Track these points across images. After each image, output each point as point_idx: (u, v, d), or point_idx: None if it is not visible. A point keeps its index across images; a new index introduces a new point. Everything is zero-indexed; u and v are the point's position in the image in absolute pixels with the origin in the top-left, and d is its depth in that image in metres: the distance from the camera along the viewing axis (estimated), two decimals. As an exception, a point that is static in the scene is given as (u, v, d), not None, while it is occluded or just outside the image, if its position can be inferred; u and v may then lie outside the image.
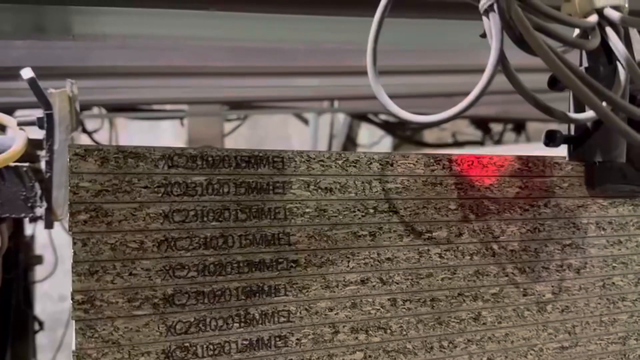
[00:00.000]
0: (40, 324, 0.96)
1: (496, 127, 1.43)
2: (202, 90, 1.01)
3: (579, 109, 0.37)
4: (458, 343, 0.36)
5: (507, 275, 0.37)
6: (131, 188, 0.29)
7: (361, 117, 1.33)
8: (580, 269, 0.39)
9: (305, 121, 1.42)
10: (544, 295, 0.38)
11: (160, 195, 0.29)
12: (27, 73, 0.50)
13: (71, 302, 0.28)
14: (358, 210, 0.33)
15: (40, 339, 0.99)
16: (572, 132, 0.39)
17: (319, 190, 0.32)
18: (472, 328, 0.36)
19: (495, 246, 0.37)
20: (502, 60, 0.29)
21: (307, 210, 0.32)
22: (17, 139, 0.49)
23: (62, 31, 0.63)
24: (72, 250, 0.28)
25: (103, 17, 0.63)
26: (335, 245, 0.33)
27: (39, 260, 0.96)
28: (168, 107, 1.27)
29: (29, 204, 0.49)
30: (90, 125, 1.20)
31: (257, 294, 0.31)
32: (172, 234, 0.29)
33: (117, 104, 1.15)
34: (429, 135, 1.50)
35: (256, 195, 0.31)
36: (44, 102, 0.51)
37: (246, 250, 0.31)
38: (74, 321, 0.28)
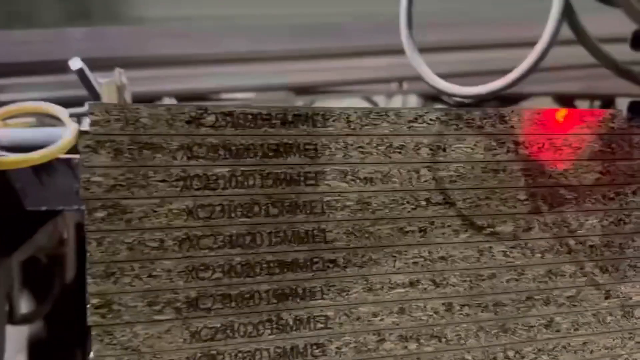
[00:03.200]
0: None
1: (582, 104, 1.33)
2: (267, 77, 0.99)
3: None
4: (526, 353, 0.31)
5: (585, 276, 0.32)
6: (147, 182, 0.26)
7: (433, 98, 1.27)
8: (677, 267, 0.33)
9: (376, 105, 1.37)
10: (630, 298, 0.33)
11: (179, 189, 0.26)
12: (75, 64, 0.49)
13: (87, 306, 0.26)
14: (407, 202, 0.29)
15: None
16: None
17: (357, 181, 0.28)
18: (543, 336, 0.31)
19: (571, 242, 0.32)
20: (568, 13, 0.24)
21: (348, 203, 0.28)
22: (67, 131, 0.49)
23: (110, 16, 0.62)
24: (87, 251, 0.26)
25: None
26: (379, 242, 0.29)
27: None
28: (239, 95, 1.26)
29: (81, 196, 0.49)
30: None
31: (290, 297, 0.28)
32: (194, 232, 0.27)
33: (187, 94, 1.15)
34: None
35: (285, 187, 0.28)
36: (93, 93, 0.50)
37: (277, 249, 0.28)
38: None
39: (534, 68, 0.26)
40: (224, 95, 1.23)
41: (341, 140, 0.28)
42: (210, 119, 0.27)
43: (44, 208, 0.48)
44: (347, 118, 0.28)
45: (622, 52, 0.31)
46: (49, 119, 0.55)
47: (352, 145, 0.28)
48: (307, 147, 0.28)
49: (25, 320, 0.71)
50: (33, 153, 0.43)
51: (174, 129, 0.26)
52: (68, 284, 0.76)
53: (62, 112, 0.52)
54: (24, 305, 0.72)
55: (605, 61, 0.27)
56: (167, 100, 1.23)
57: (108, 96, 0.51)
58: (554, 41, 0.26)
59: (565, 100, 1.34)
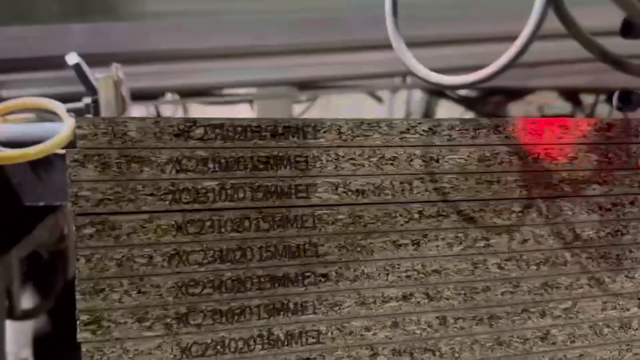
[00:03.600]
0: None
1: (588, 99, 1.31)
2: (268, 71, 0.98)
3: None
4: (521, 366, 0.31)
5: (582, 287, 0.32)
6: (135, 196, 0.26)
7: (438, 92, 1.26)
8: (676, 278, 0.33)
9: (380, 99, 1.36)
10: (627, 309, 0.32)
11: (168, 203, 0.26)
12: (72, 59, 0.49)
13: (77, 322, 0.26)
14: (400, 215, 0.29)
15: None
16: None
17: (349, 193, 0.28)
18: (539, 349, 0.31)
19: (567, 254, 0.31)
20: (555, 2, 0.23)
21: (340, 217, 0.28)
22: (64, 126, 0.48)
23: (108, 11, 0.61)
24: (76, 267, 0.26)
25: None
26: (371, 256, 0.29)
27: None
28: (241, 90, 1.25)
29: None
30: (168, 112, 1.20)
31: (282, 312, 0.28)
32: (183, 247, 0.26)
33: (188, 89, 1.15)
34: (514, 110, 1.41)
35: (276, 200, 0.27)
36: (90, 88, 0.50)
37: (267, 264, 0.27)
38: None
39: (516, 59, 0.25)
40: (226, 91, 1.23)
41: (332, 152, 0.28)
42: (199, 131, 0.26)
43: (42, 203, 0.48)
44: (339, 129, 0.28)
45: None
46: (48, 115, 0.55)
47: (343, 157, 0.28)
48: (298, 159, 0.27)
49: (26, 315, 0.71)
50: (29, 148, 0.43)
51: (163, 142, 0.26)
52: (70, 279, 0.77)
53: (59, 108, 0.52)
54: (27, 301, 0.73)
55: (593, 49, 0.26)
56: (170, 96, 1.23)
57: (105, 91, 0.51)
58: (538, 29, 0.25)
59: (570, 94, 1.33)
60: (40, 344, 0.80)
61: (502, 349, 0.30)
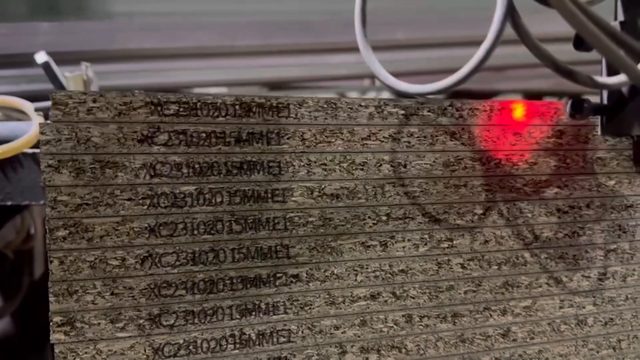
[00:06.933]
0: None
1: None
2: (239, 71, 0.99)
3: (613, 72, 0.31)
4: (484, 362, 0.32)
5: (540, 286, 0.33)
6: (114, 201, 0.26)
7: (406, 94, 1.28)
8: (627, 276, 0.35)
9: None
10: (584, 307, 0.34)
11: (146, 207, 0.27)
12: (41, 57, 0.49)
13: (50, 323, 0.26)
14: (369, 217, 0.30)
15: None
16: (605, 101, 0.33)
17: (324, 197, 0.29)
18: (500, 345, 0.32)
19: (527, 254, 0.33)
20: (511, 13, 0.24)
21: (311, 219, 0.29)
22: (32, 125, 0.48)
23: (78, 10, 0.61)
24: (49, 269, 0.26)
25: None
26: (340, 257, 0.29)
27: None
28: (212, 90, 1.25)
29: (48, 191, 0.48)
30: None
31: (253, 313, 0.28)
32: (156, 250, 0.27)
33: (158, 88, 1.14)
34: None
35: (253, 204, 0.28)
36: (59, 87, 0.50)
37: (239, 265, 0.28)
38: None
39: (479, 67, 0.26)
40: (196, 90, 1.22)
41: (304, 157, 0.29)
42: (163, 137, 0.27)
43: (9, 203, 0.48)
44: (302, 136, 0.29)
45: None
46: (16, 113, 0.54)
47: (315, 162, 0.29)
48: (271, 164, 0.28)
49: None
50: (-3, 147, 0.42)
51: (126, 147, 0.26)
52: (36, 280, 0.76)
53: (27, 106, 0.52)
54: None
55: (545, 60, 0.27)
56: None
57: (74, 89, 0.51)
58: (498, 41, 0.26)
59: (533, 97, 1.36)
60: (4, 347, 0.79)
61: (465, 345, 0.32)
